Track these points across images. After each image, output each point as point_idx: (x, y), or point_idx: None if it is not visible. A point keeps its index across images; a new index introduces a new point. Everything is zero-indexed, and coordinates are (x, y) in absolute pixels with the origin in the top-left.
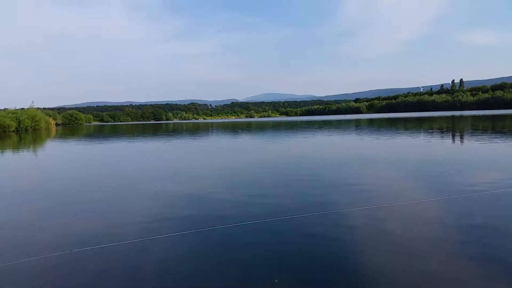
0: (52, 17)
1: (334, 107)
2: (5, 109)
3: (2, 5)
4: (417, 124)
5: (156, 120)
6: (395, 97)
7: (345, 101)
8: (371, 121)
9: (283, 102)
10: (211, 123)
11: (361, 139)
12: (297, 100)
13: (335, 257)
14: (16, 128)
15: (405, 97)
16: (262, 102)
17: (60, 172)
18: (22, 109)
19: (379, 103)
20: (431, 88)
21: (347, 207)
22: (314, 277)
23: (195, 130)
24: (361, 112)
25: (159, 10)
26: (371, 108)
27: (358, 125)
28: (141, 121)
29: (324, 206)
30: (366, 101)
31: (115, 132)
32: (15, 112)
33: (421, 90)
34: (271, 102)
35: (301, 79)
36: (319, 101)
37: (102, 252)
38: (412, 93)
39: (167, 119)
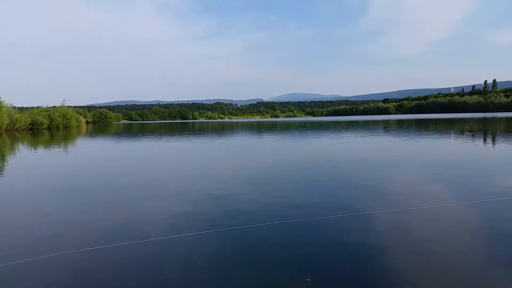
0: (83, 18)
1: (361, 107)
2: (38, 107)
3: (36, 8)
4: (447, 126)
5: (182, 119)
6: (425, 98)
7: (373, 101)
8: (400, 122)
9: (309, 102)
10: (236, 122)
11: (389, 140)
12: (323, 100)
13: (361, 260)
14: (48, 125)
15: (435, 98)
16: (288, 102)
17: (89, 169)
18: (54, 107)
19: (408, 103)
20: (462, 89)
21: (373, 209)
22: (342, 279)
23: (221, 130)
24: (390, 113)
25: (187, 10)
26: (400, 109)
27: (386, 126)
28: (168, 120)
29: (350, 208)
30: (395, 102)
31: (143, 131)
32: (47, 110)
33: (452, 91)
34: (296, 102)
35: (327, 79)
36: (346, 101)
37: (128, 249)
38: (443, 93)
39: (193, 118)
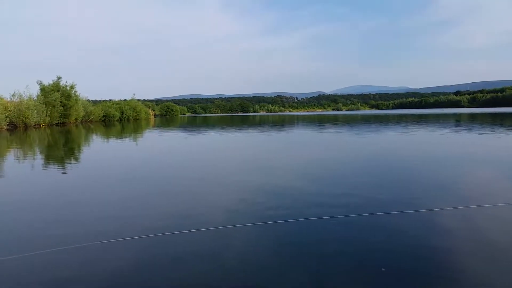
0: (150, 17)
1: (431, 100)
2: (110, 100)
3: (108, 7)
4: None
5: (243, 112)
6: (501, 90)
7: (443, 93)
8: (473, 116)
9: (374, 95)
10: (297, 115)
11: (459, 135)
12: (389, 93)
13: (428, 258)
14: (119, 117)
15: None
16: (351, 95)
17: (155, 159)
18: (125, 100)
19: (482, 96)
20: None
21: (439, 206)
22: (404, 279)
23: (281, 123)
24: (462, 106)
25: (251, 5)
26: (473, 102)
27: (458, 120)
28: (230, 113)
29: (414, 204)
30: (468, 94)
31: (206, 123)
32: (118, 103)
33: None
34: (360, 95)
35: (393, 71)
36: (414, 94)
37: (187, 237)
38: None
39: (254, 111)
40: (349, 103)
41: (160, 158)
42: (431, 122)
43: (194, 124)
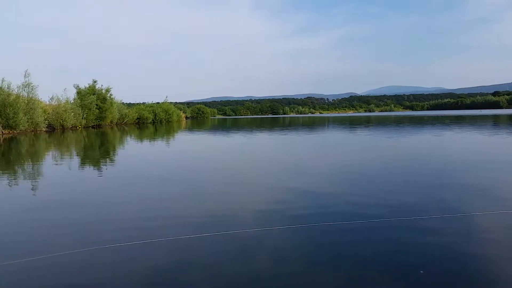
0: (181, 20)
1: (468, 101)
2: (143, 103)
3: (141, 11)
4: None
5: (273, 114)
6: None
7: (481, 94)
8: None
9: (408, 95)
10: (327, 117)
11: (498, 138)
12: (424, 93)
13: (466, 262)
14: (152, 120)
15: None
16: (384, 96)
17: (187, 161)
18: (158, 103)
19: None
20: None
21: (477, 210)
22: (448, 278)
23: (311, 124)
24: (501, 107)
25: (281, 6)
26: None
27: (496, 122)
28: (260, 115)
29: (451, 208)
30: (507, 95)
31: (236, 125)
32: (151, 106)
33: None
34: (393, 95)
35: (428, 71)
36: (450, 94)
37: (220, 239)
38: None
39: (284, 113)
40: (382, 104)
41: (193, 160)
42: (468, 124)
43: (224, 126)
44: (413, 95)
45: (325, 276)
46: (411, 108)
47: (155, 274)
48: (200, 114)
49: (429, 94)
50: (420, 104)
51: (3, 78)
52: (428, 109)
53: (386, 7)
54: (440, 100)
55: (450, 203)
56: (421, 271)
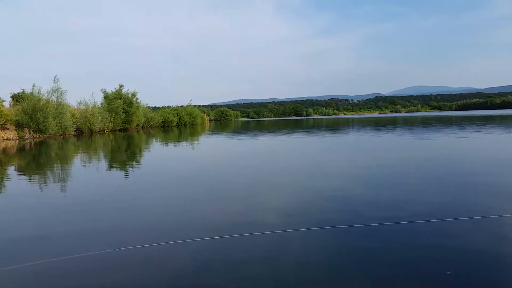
0: (204, 24)
1: (498, 100)
2: (168, 106)
3: (163, 14)
4: None
5: (296, 116)
6: None
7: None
8: None
9: (435, 96)
10: (352, 118)
11: None
12: (452, 93)
13: (495, 265)
14: (177, 123)
15: None
16: (410, 96)
17: (212, 162)
18: (182, 106)
19: None
20: None
21: (506, 213)
22: (475, 280)
23: (335, 126)
24: None
25: (304, 7)
26: None
27: None
28: (283, 117)
29: (478, 211)
30: None
31: (259, 127)
32: (176, 109)
33: None
34: (420, 96)
35: (456, 70)
36: (479, 94)
37: (245, 241)
38: None
39: (307, 115)
40: (408, 104)
41: (218, 162)
42: (497, 124)
43: (247, 128)
44: (440, 95)
45: (351, 280)
46: (439, 108)
47: (181, 275)
48: (224, 117)
49: (457, 94)
50: (447, 104)
51: (33, 84)
52: (456, 109)
53: (411, 6)
54: (468, 100)
55: (478, 206)
56: (448, 272)
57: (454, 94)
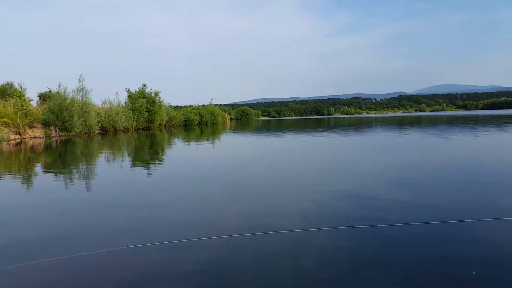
0: (225, 24)
1: None
2: (190, 106)
3: (184, 14)
4: None
5: (318, 115)
6: None
7: None
8: None
9: (461, 94)
10: (375, 117)
11: None
12: (478, 92)
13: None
14: (198, 122)
15: None
16: (435, 95)
17: (232, 161)
18: (203, 105)
19: None
20: None
21: None
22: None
23: (358, 125)
24: None
25: (326, 5)
26: None
27: None
28: (304, 116)
29: (499, 212)
30: None
31: (280, 126)
32: (197, 108)
33: None
34: (445, 94)
35: (483, 68)
36: (507, 93)
37: (265, 239)
38: None
39: (329, 114)
40: (433, 103)
41: (237, 161)
42: None
43: (268, 127)
44: (466, 93)
45: (373, 281)
46: (464, 107)
47: (202, 272)
48: (245, 116)
49: (483, 92)
50: (474, 103)
51: (59, 83)
52: (482, 108)
53: (437, 3)
54: (496, 99)
55: (503, 207)
56: (474, 272)
57: (481, 93)
